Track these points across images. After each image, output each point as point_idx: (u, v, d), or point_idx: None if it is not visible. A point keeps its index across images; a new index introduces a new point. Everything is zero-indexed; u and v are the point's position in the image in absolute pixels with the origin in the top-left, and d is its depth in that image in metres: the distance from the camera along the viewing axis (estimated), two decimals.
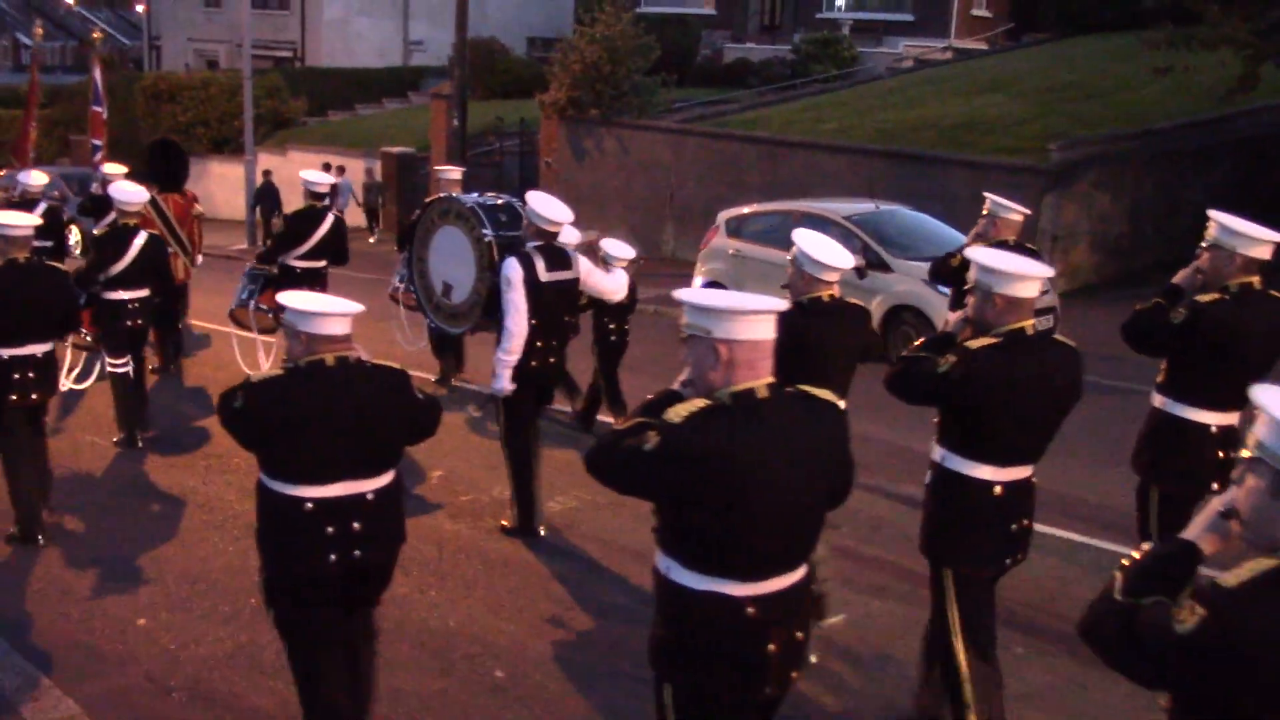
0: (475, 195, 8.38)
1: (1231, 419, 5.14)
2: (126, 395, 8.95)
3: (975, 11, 32.41)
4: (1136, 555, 2.60)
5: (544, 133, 21.05)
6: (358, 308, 4.24)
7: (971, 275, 4.34)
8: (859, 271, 11.91)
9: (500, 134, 23.95)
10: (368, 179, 24.08)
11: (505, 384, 6.73)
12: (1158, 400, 5.26)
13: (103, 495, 7.96)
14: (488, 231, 7.41)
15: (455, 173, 10.18)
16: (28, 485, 6.94)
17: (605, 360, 9.07)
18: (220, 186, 26.78)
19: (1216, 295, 4.98)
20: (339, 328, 4.17)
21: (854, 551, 6.58)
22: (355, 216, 22.69)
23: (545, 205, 6.81)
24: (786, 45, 31.30)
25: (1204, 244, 5.13)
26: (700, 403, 3.20)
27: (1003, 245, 6.99)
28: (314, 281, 9.86)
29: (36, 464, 7.06)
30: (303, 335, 4.15)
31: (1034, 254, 7.53)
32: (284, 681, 4.68)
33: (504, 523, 7.15)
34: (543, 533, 7.07)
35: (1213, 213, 5.16)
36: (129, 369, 8.92)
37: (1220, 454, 5.04)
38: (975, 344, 4.20)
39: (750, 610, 3.24)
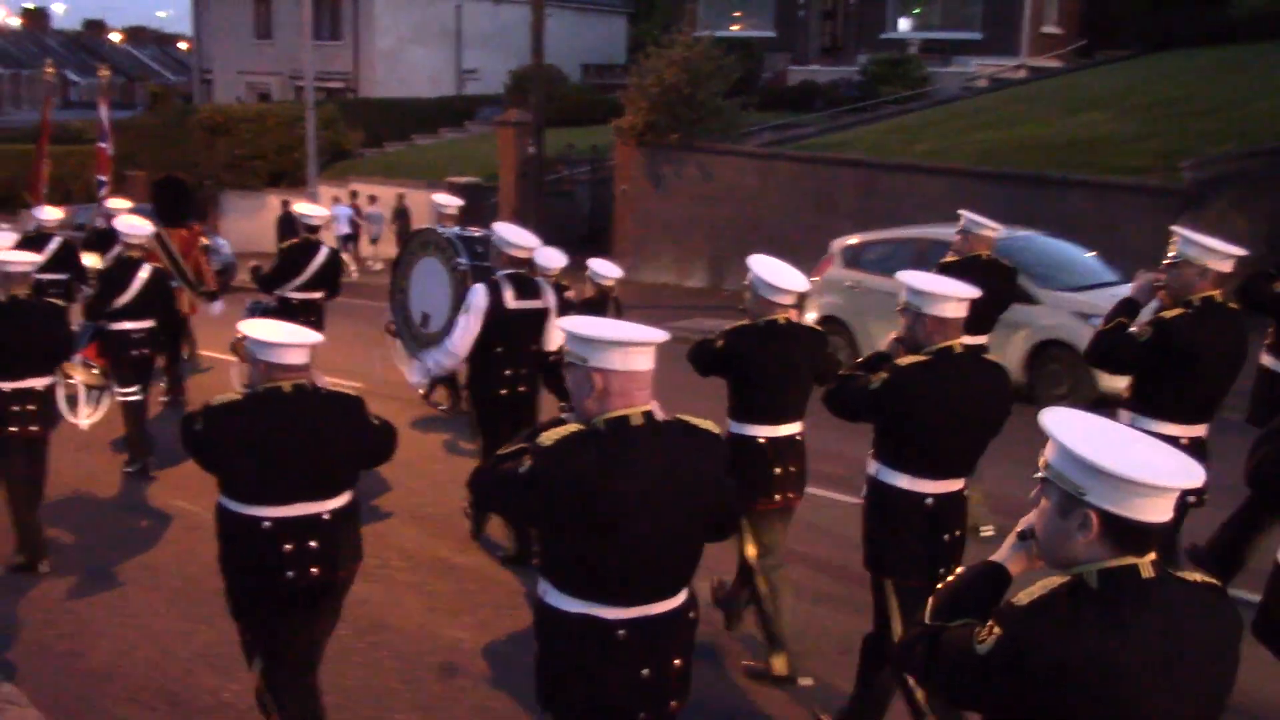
0: (457, 229, 8.58)
1: (1199, 431, 5.25)
2: (138, 422, 9.15)
3: (1046, 29, 31.37)
4: (949, 580, 2.70)
5: (619, 159, 20.16)
6: (315, 338, 4.47)
7: (901, 297, 4.54)
8: None
9: (571, 161, 23.13)
10: (398, 203, 23.36)
11: (414, 377, 7.45)
12: (1124, 417, 5.30)
13: (96, 513, 8.31)
14: (463, 260, 7.60)
15: (452, 207, 10.10)
16: (30, 514, 7.15)
17: None
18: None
19: (1180, 310, 5.11)
20: (297, 357, 4.35)
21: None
22: (389, 245, 22.24)
23: (512, 233, 6.94)
24: (851, 66, 30.41)
25: (1168, 259, 5.24)
26: (573, 427, 3.25)
27: (975, 260, 7.23)
28: (309, 313, 9.92)
29: (35, 491, 7.24)
30: (261, 364, 4.35)
31: (1009, 270, 7.57)
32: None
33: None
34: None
35: (1176, 228, 5.31)
36: (140, 397, 9.13)
37: None
38: (904, 361, 4.41)
39: (621, 633, 3.28)
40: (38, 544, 7.17)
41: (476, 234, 8.10)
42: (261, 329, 4.47)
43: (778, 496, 5.46)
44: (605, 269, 8.97)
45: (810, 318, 12.24)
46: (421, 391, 10.63)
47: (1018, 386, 10.52)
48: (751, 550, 5.54)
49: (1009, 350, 10.32)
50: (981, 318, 6.88)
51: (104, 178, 16.49)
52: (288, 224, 22.40)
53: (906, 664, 2.69)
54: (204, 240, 11.84)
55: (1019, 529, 2.65)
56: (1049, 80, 25.81)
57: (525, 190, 21.91)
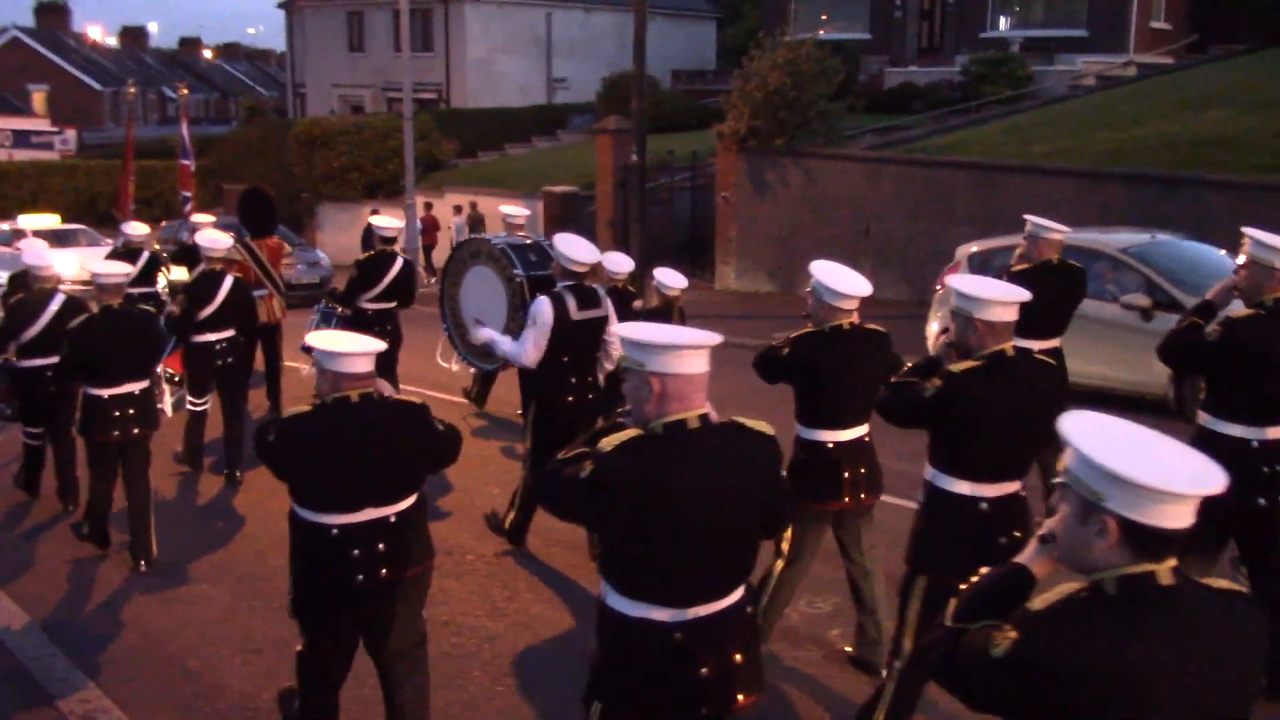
0: (504, 235, 8.78)
1: (1272, 433, 5.12)
2: (198, 434, 9.46)
3: (1154, 24, 30.31)
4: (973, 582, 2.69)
5: (721, 166, 19.71)
6: (379, 346, 4.62)
7: (951, 302, 4.56)
8: (1144, 313, 10.37)
9: (669, 169, 22.75)
10: (471, 211, 23.15)
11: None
12: (1202, 418, 5.31)
13: (185, 516, 8.53)
14: (519, 271, 7.71)
15: (520, 218, 10.34)
16: (140, 516, 7.40)
17: None
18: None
19: (1251, 310, 5.07)
20: (362, 366, 4.48)
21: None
22: None
23: (571, 246, 6.98)
24: (949, 67, 29.66)
25: (1240, 260, 5.19)
26: (632, 432, 3.33)
27: (1046, 265, 7.20)
28: (384, 322, 10.18)
29: (142, 493, 7.44)
30: (329, 374, 4.46)
31: (1079, 272, 7.49)
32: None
33: (496, 512, 7.51)
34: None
35: (1247, 229, 5.21)
36: (206, 409, 9.48)
37: (1265, 468, 5.09)
38: (958, 367, 4.42)
39: (678, 636, 3.35)
40: (145, 544, 7.42)
41: (528, 241, 8.20)
42: (328, 340, 4.61)
43: (848, 499, 5.53)
44: (671, 279, 9.06)
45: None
46: (455, 367, 10.95)
47: (1164, 400, 9.93)
48: (785, 548, 5.62)
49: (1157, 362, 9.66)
50: (1055, 321, 7.23)
51: (188, 193, 16.86)
52: (370, 238, 22.30)
53: (926, 664, 2.73)
54: (289, 249, 12.16)
55: (1041, 532, 2.63)
56: (1161, 77, 24.86)
57: (623, 198, 21.57)
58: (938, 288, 12.18)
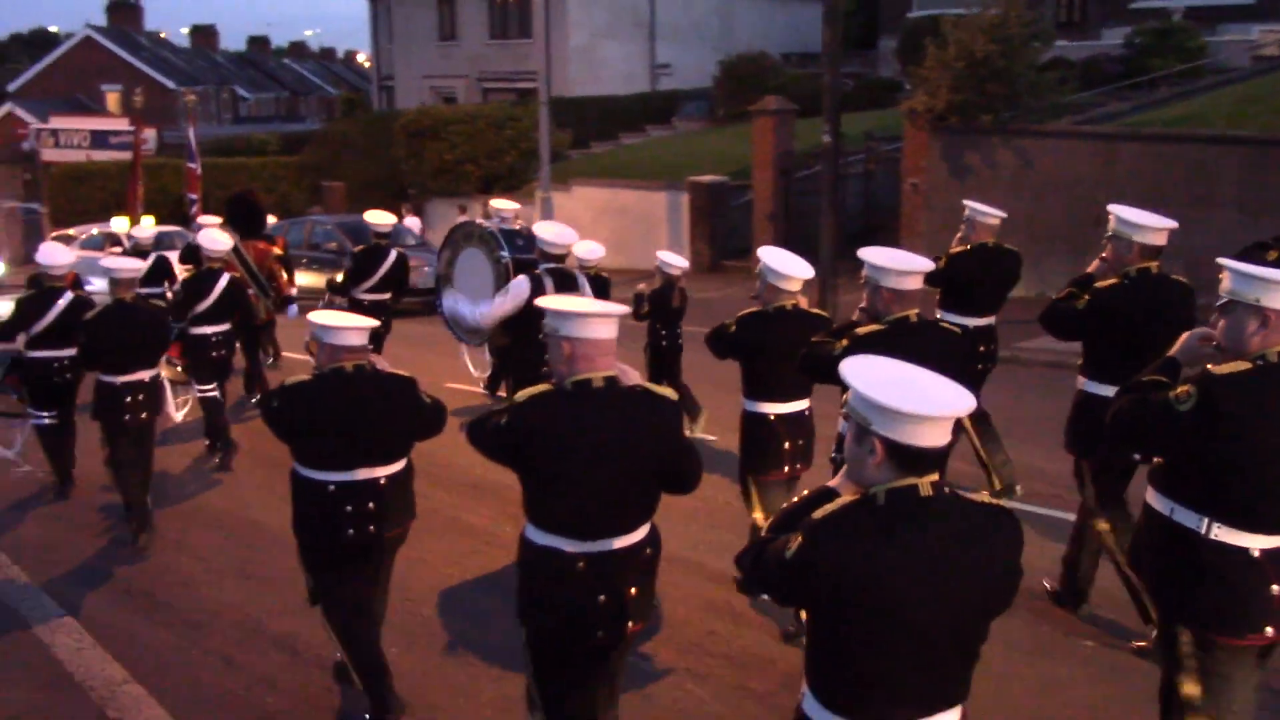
0: (498, 220, 9.58)
1: None
2: (217, 414, 10.00)
3: None
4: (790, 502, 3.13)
5: (908, 148, 17.36)
6: (372, 323, 5.24)
7: (863, 272, 5.11)
8: None
9: (850, 149, 20.42)
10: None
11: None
12: (1080, 381, 5.81)
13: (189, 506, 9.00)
14: (505, 253, 8.13)
15: (510, 211, 10.56)
16: (139, 492, 8.06)
17: (655, 366, 9.56)
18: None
19: (1114, 280, 5.50)
20: (356, 339, 5.04)
21: None
22: None
23: (549, 230, 7.46)
24: (1094, 41, 27.16)
25: (1105, 236, 5.64)
26: (543, 387, 3.90)
27: (983, 247, 7.63)
28: (379, 313, 10.63)
29: (144, 473, 8.19)
30: (327, 346, 5.02)
31: (1012, 254, 7.79)
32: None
33: None
34: None
35: (1111, 206, 5.74)
36: (216, 393, 10.03)
37: None
38: (863, 330, 4.99)
39: (581, 565, 3.88)
40: (146, 515, 8.07)
41: (517, 228, 8.78)
42: (325, 316, 5.13)
43: (786, 468, 5.96)
44: (673, 259, 9.66)
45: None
46: (475, 372, 11.79)
47: None
48: (759, 516, 6.02)
49: None
50: (989, 300, 7.75)
51: (194, 195, 17.25)
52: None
53: (739, 566, 3.12)
54: (277, 250, 12.41)
55: (832, 454, 3.62)
56: None
57: (784, 188, 19.29)
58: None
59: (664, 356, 9.68)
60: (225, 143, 36.29)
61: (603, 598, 3.90)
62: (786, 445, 5.89)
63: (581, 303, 4.07)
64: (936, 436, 2.76)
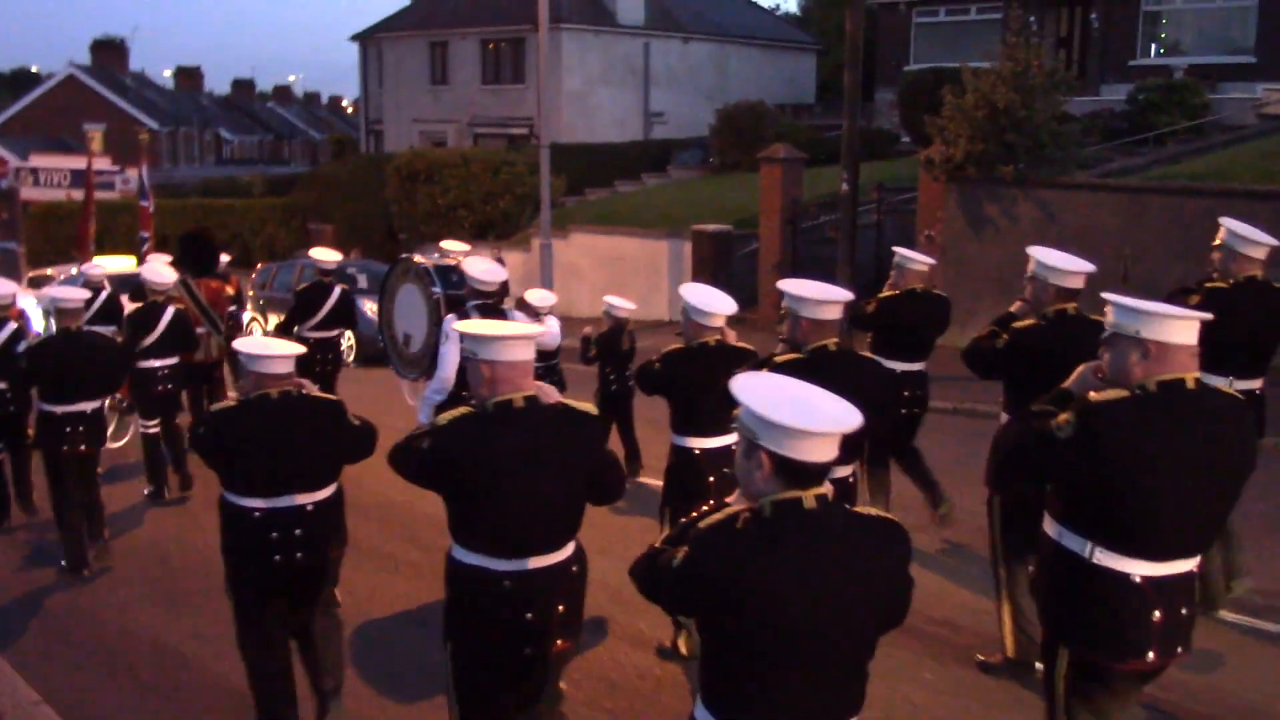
0: (437, 255, 9.52)
1: None
2: (156, 452, 9.99)
3: None
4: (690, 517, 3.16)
5: (924, 199, 16.84)
6: (298, 349, 5.24)
7: (783, 303, 5.26)
8: None
9: (834, 204, 19.92)
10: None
11: (424, 418, 7.19)
12: (1002, 419, 5.79)
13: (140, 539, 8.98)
14: (437, 289, 8.17)
15: (459, 252, 10.06)
16: (75, 525, 7.94)
17: (605, 411, 9.11)
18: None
19: (1033, 321, 5.66)
20: (282, 367, 5.06)
21: None
22: None
23: (479, 267, 7.52)
24: (1093, 97, 26.95)
25: (1026, 277, 5.80)
26: (465, 410, 3.99)
27: (911, 293, 7.83)
28: (325, 350, 11.00)
29: (87, 507, 8.08)
30: (252, 374, 5.06)
31: (942, 300, 8.07)
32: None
33: None
34: None
35: (1030, 249, 5.91)
36: (159, 430, 9.99)
37: None
38: (782, 359, 5.10)
39: (507, 584, 3.95)
40: (81, 553, 7.95)
41: (452, 264, 8.71)
42: (250, 344, 5.23)
43: (713, 500, 5.76)
44: (620, 302, 9.90)
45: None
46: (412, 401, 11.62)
47: None
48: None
49: None
50: (920, 344, 7.89)
51: (146, 234, 17.33)
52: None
53: (633, 577, 3.15)
54: (230, 290, 12.44)
55: (725, 470, 3.65)
56: None
57: (791, 238, 18.76)
58: None
59: (614, 401, 9.76)
60: (211, 184, 35.74)
61: (530, 615, 3.95)
62: (711, 479, 5.89)
63: (499, 326, 4.18)
64: (822, 452, 2.84)
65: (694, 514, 3.13)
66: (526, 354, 3.98)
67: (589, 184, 28.71)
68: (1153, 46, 29.11)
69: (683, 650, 6.17)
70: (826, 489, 2.88)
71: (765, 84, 36.12)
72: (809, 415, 2.83)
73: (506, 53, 35.15)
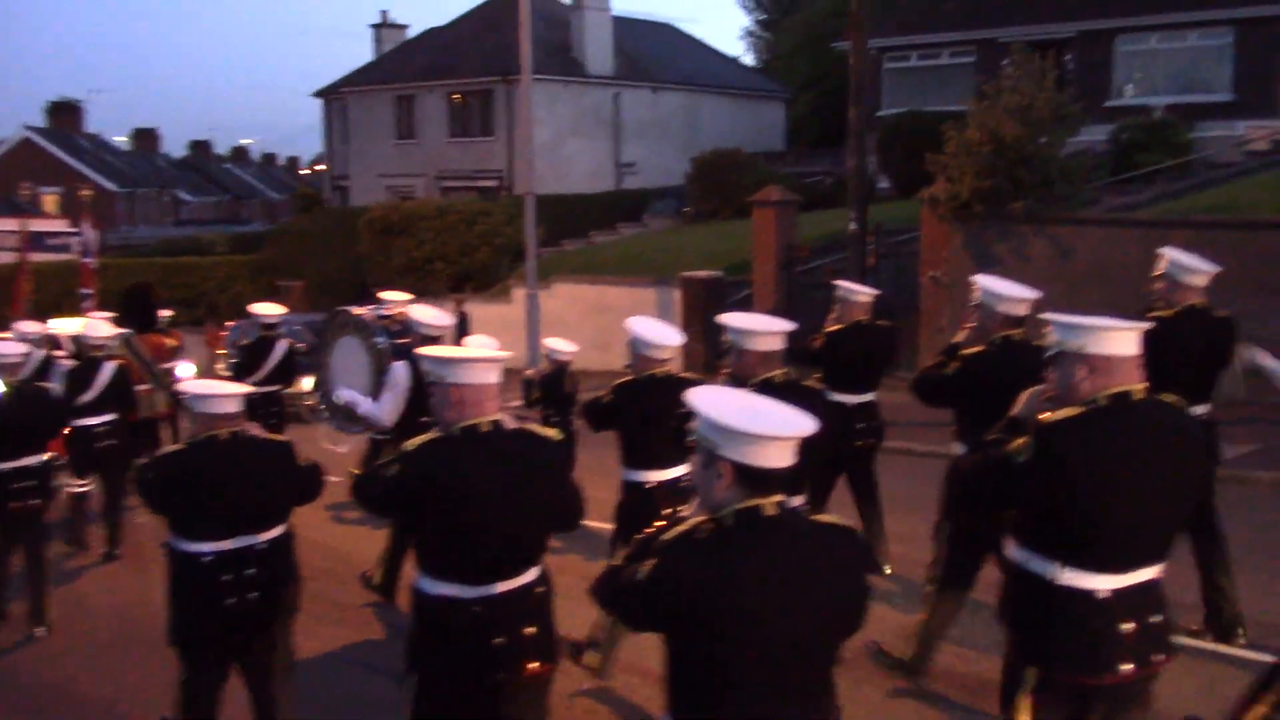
0: (372, 307, 9.57)
1: None
2: (81, 513, 9.90)
3: None
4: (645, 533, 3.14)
5: (927, 239, 16.26)
6: (245, 390, 5.27)
7: (725, 337, 5.36)
8: None
9: (825, 248, 19.31)
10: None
11: (341, 448, 8.77)
12: (954, 449, 5.89)
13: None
14: (380, 339, 8.11)
15: (395, 302, 9.97)
16: (35, 580, 7.82)
17: None
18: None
19: (981, 348, 5.73)
20: (229, 406, 5.03)
21: None
22: None
23: (427, 314, 7.66)
24: (1073, 137, 26.72)
25: (971, 305, 5.90)
26: (432, 435, 3.99)
27: (858, 325, 7.89)
28: (269, 404, 10.69)
29: (35, 562, 7.87)
30: (199, 415, 5.01)
31: (886, 330, 8.16)
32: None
33: (369, 575, 8.08)
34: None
35: (975, 277, 6.01)
36: (88, 490, 9.90)
37: None
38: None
39: (476, 609, 3.94)
40: (35, 608, 7.77)
41: (390, 313, 8.90)
42: (196, 385, 5.24)
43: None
44: (561, 345, 10.14)
45: None
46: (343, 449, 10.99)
47: None
48: None
49: None
50: (868, 376, 7.95)
51: (89, 290, 17.32)
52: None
53: (597, 595, 3.16)
54: (171, 342, 12.32)
55: (682, 483, 3.52)
56: None
57: (785, 283, 18.13)
58: None
59: None
60: (172, 243, 34.81)
61: (498, 640, 3.95)
62: (666, 511, 5.77)
63: (464, 349, 4.34)
64: (781, 457, 2.88)
65: (649, 531, 3.09)
66: (494, 377, 4.01)
67: (564, 235, 28.08)
68: (1128, 87, 28.97)
69: (592, 664, 6.17)
70: (785, 498, 2.93)
71: (735, 133, 35.80)
72: (766, 421, 2.89)
73: (474, 106, 34.60)
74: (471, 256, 23.44)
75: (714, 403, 2.96)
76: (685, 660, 2.89)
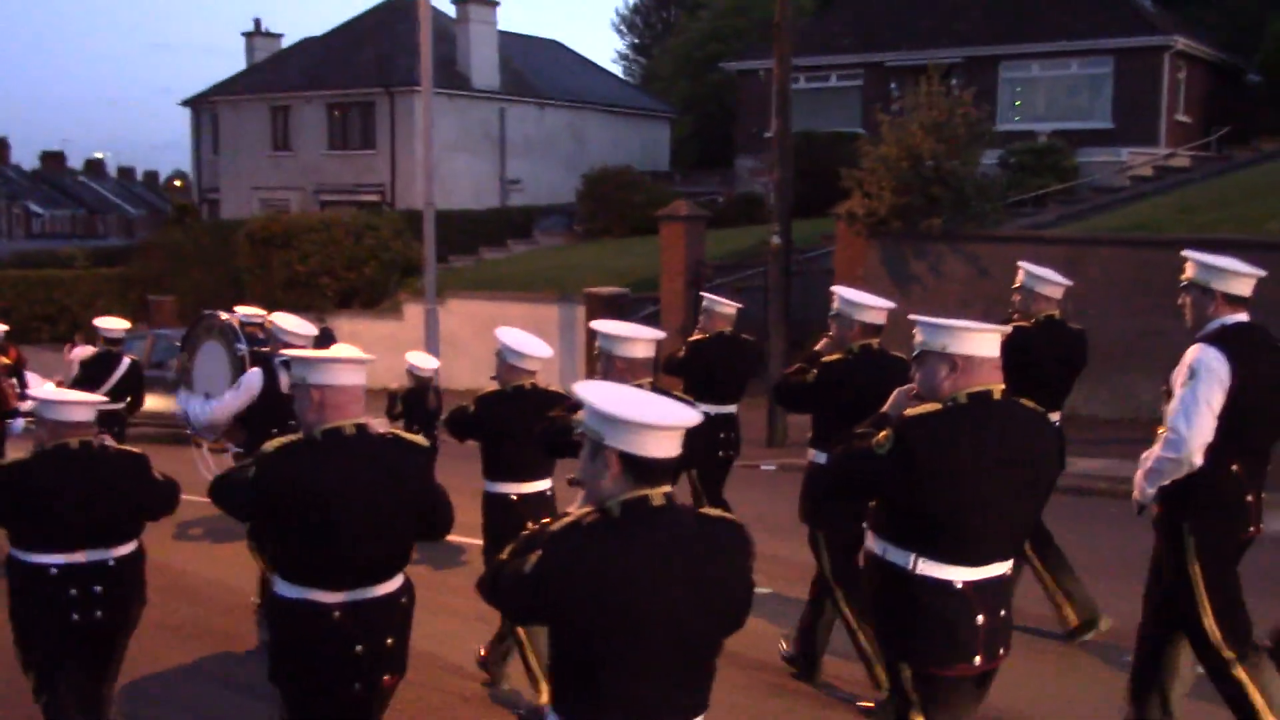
0: (240, 311, 9.31)
1: None
2: None
3: (1178, 117, 28.31)
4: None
5: (841, 256, 16.01)
6: (98, 399, 5.13)
7: (596, 343, 5.37)
8: None
9: (729, 266, 18.98)
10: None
11: (187, 406, 7.78)
12: (810, 454, 6.09)
13: None
14: (241, 346, 8.15)
15: (258, 315, 9.65)
16: None
17: None
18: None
19: (839, 355, 5.84)
20: (81, 415, 4.88)
21: None
22: None
23: (290, 322, 7.40)
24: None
25: (830, 315, 5.98)
26: (293, 437, 3.88)
27: (720, 336, 8.14)
28: (112, 424, 10.03)
29: None
30: (49, 422, 4.84)
31: (750, 343, 8.49)
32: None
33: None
34: None
35: (835, 287, 6.13)
36: None
37: None
38: None
39: (337, 615, 3.84)
40: None
41: (257, 320, 8.73)
42: (46, 392, 5.20)
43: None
44: (422, 360, 10.26)
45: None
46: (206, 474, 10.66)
47: None
48: None
49: None
50: (730, 387, 8.12)
51: None
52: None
53: (482, 590, 3.15)
54: (5, 360, 11.66)
55: (569, 478, 3.25)
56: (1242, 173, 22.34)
57: (695, 300, 17.66)
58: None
59: None
60: (26, 256, 32.84)
61: (360, 648, 3.87)
62: (530, 525, 5.15)
63: (328, 351, 4.27)
64: (667, 447, 2.90)
65: (534, 527, 3.07)
66: (358, 379, 3.94)
67: (451, 251, 27.20)
68: (1012, 114, 29.44)
69: (543, 699, 5.89)
70: (672, 489, 2.94)
71: (621, 151, 35.38)
72: (652, 410, 2.91)
73: (354, 117, 33.47)
74: (359, 271, 22.43)
75: (601, 394, 2.97)
76: (570, 651, 2.89)
